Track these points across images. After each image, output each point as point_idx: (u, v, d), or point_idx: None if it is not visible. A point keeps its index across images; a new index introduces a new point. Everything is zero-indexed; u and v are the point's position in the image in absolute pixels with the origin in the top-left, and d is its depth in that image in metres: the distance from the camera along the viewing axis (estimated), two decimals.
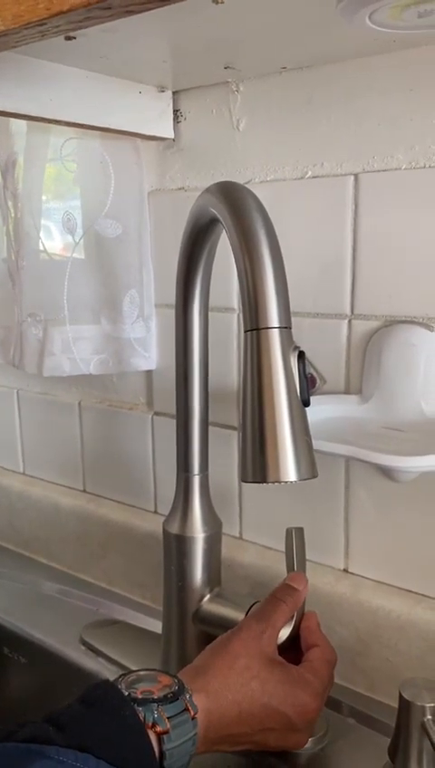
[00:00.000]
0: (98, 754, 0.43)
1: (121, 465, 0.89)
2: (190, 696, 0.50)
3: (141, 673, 0.52)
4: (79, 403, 0.92)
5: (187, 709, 0.49)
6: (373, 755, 0.59)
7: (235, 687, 0.53)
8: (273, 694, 0.54)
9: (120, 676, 0.51)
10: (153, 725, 0.47)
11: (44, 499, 0.95)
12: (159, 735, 0.47)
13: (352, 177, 0.63)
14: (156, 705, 0.48)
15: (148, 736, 0.46)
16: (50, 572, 0.94)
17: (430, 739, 0.52)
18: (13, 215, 0.79)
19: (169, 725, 0.47)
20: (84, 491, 0.94)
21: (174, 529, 0.66)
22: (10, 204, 0.79)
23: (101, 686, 0.49)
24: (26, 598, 0.88)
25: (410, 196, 0.61)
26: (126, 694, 0.48)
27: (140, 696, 0.48)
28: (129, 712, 0.47)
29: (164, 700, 0.48)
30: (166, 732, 0.47)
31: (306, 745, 0.61)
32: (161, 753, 0.46)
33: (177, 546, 0.66)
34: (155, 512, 0.86)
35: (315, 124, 0.65)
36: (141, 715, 0.47)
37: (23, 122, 0.75)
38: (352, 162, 0.63)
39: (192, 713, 0.49)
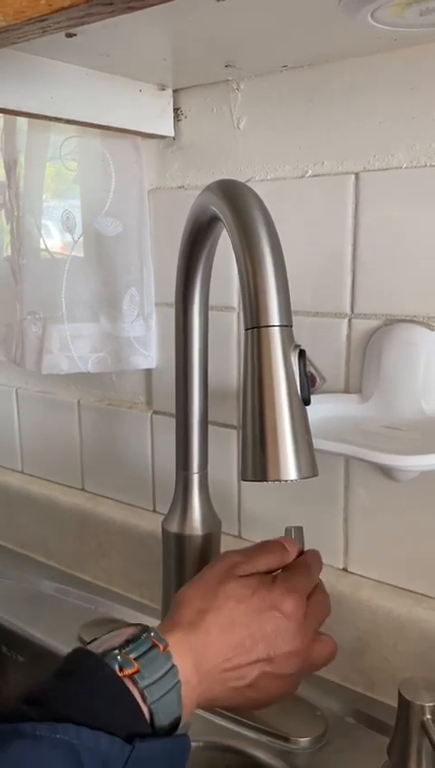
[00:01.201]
0: (78, 720, 0.41)
1: (120, 464, 0.89)
2: (156, 634, 0.48)
3: (105, 635, 0.49)
4: (78, 402, 0.91)
5: (155, 645, 0.47)
6: (373, 755, 0.59)
7: (212, 611, 0.51)
8: (251, 608, 0.52)
9: (87, 642, 0.49)
10: (121, 670, 0.44)
11: (43, 497, 0.95)
12: (132, 678, 0.44)
13: (353, 176, 0.63)
14: (117, 651, 0.46)
15: (124, 685, 0.44)
16: (48, 571, 0.94)
17: (430, 738, 0.52)
18: (15, 213, 0.79)
19: (136, 665, 0.45)
20: (83, 489, 0.94)
21: (173, 528, 0.65)
22: (12, 202, 0.79)
23: (71, 655, 0.47)
24: (25, 596, 0.88)
25: (410, 194, 0.60)
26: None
27: (101, 651, 0.46)
28: (106, 671, 0.44)
29: (125, 644, 0.46)
30: (136, 671, 0.45)
31: (305, 745, 0.61)
32: (141, 693, 0.44)
33: (176, 545, 0.65)
34: (154, 510, 0.86)
35: (316, 123, 0.65)
36: (108, 665, 0.45)
37: (24, 121, 0.75)
38: (353, 161, 0.63)
39: (161, 647, 0.47)
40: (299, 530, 0.63)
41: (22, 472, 1.02)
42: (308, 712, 0.65)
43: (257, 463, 0.44)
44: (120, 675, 0.44)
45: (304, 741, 0.62)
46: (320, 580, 0.59)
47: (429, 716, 0.52)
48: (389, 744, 0.55)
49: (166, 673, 0.46)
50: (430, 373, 0.61)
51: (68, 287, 0.78)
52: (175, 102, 0.73)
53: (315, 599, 0.56)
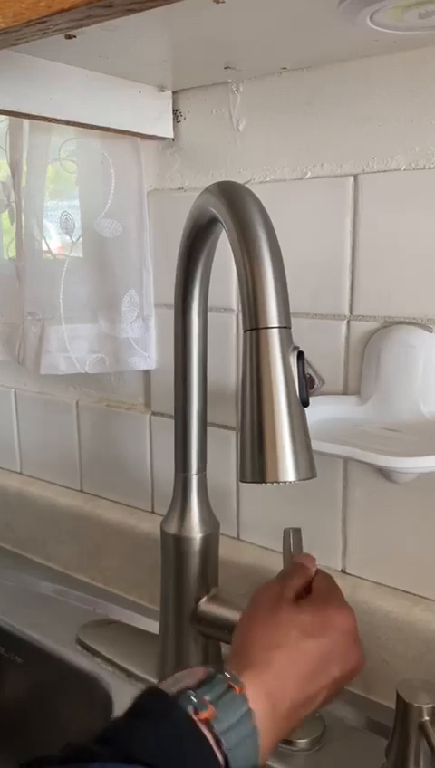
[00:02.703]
0: (148, 762, 0.39)
1: (119, 466, 0.89)
2: (233, 675, 0.46)
3: (180, 673, 0.47)
4: (77, 403, 0.91)
5: (230, 687, 0.45)
6: (371, 756, 0.59)
7: (276, 644, 0.49)
8: (314, 627, 0.51)
9: (159, 682, 0.47)
10: (196, 713, 0.42)
11: (42, 499, 0.95)
12: (207, 722, 0.42)
13: (352, 178, 0.63)
14: (192, 692, 0.44)
15: (198, 727, 0.42)
16: (47, 572, 0.93)
17: (428, 740, 0.52)
18: (18, 214, 0.80)
19: (211, 708, 0.43)
20: (82, 491, 0.94)
21: (172, 529, 0.65)
22: (16, 203, 0.80)
23: (143, 694, 0.46)
24: (23, 597, 0.88)
25: (409, 197, 0.61)
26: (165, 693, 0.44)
27: (174, 692, 0.44)
28: (179, 713, 0.43)
29: (199, 684, 0.45)
30: (211, 715, 0.42)
31: (303, 745, 0.61)
32: (216, 739, 0.42)
33: (174, 546, 0.65)
34: (152, 512, 0.86)
35: (315, 125, 0.65)
36: (182, 707, 0.43)
37: (26, 123, 0.75)
38: (352, 163, 0.63)
39: (237, 689, 0.45)
40: (297, 531, 0.63)
41: (20, 473, 1.02)
42: None
43: (256, 464, 0.44)
44: (195, 717, 0.42)
45: (302, 742, 0.61)
46: None
47: (427, 718, 0.52)
48: (387, 745, 0.55)
49: (242, 717, 0.44)
50: (429, 375, 0.61)
51: (66, 288, 0.78)
52: (174, 104, 0.74)
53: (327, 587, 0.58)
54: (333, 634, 0.52)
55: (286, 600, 0.53)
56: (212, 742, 0.42)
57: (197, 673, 0.47)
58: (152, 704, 0.44)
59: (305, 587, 0.58)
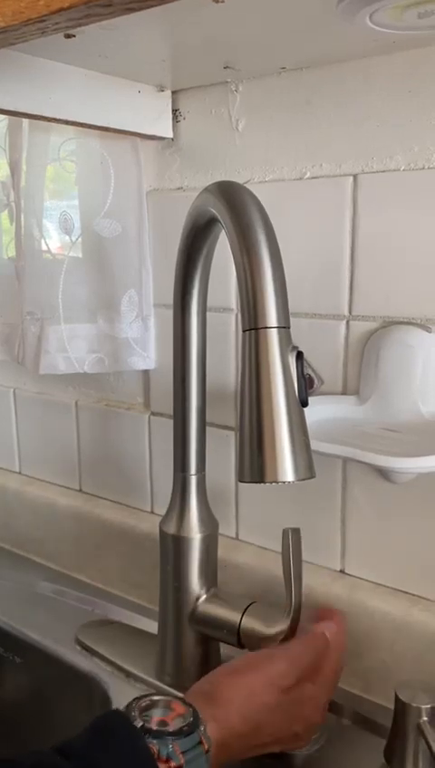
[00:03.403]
0: None
1: (118, 466, 0.89)
2: (205, 729, 0.49)
3: (155, 698, 0.50)
4: (76, 403, 0.91)
5: (201, 742, 0.48)
6: (369, 757, 0.59)
7: (245, 718, 0.52)
8: (282, 722, 0.54)
9: (132, 702, 0.50)
10: (167, 760, 0.45)
11: (41, 499, 0.95)
12: None
13: (351, 178, 0.63)
14: (171, 738, 0.46)
15: None
16: (46, 572, 0.93)
17: (426, 740, 0.52)
18: (17, 214, 0.80)
19: (183, 761, 0.46)
20: (81, 491, 0.94)
21: (171, 529, 0.65)
22: (16, 203, 0.80)
23: (112, 714, 0.48)
24: (22, 597, 0.88)
25: (409, 197, 0.61)
26: (140, 724, 0.47)
27: (154, 728, 0.47)
28: (141, 744, 0.45)
29: (179, 733, 0.47)
30: (179, 767, 0.46)
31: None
32: None
33: (173, 546, 0.65)
34: (151, 512, 0.86)
35: (314, 125, 0.65)
36: (155, 748, 0.46)
37: (25, 123, 0.75)
38: (351, 163, 0.63)
39: (205, 746, 0.48)
40: (296, 532, 0.63)
41: (19, 473, 1.01)
42: None
43: (255, 464, 0.44)
44: (165, 763, 0.45)
45: None
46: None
47: (425, 718, 0.52)
48: (385, 745, 0.55)
49: None
50: (428, 375, 0.61)
51: (65, 288, 0.78)
52: (174, 104, 0.73)
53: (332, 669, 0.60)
54: (292, 730, 0.55)
55: (280, 687, 0.55)
56: None
57: (175, 712, 0.49)
58: (117, 727, 0.47)
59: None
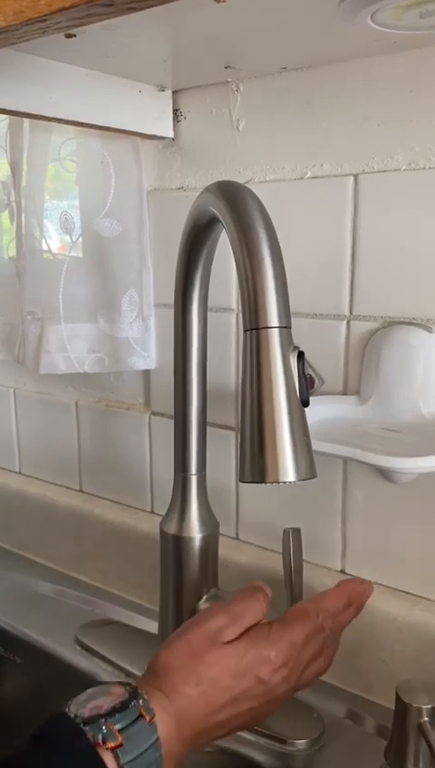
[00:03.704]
0: None
1: (118, 465, 0.88)
2: (144, 701, 0.47)
3: (92, 690, 0.48)
4: (76, 402, 0.91)
5: (141, 716, 0.46)
6: (370, 757, 0.59)
7: (195, 679, 0.50)
8: (236, 673, 0.51)
9: (71, 699, 0.48)
10: (104, 742, 0.43)
11: (41, 498, 0.95)
12: (114, 751, 0.43)
13: (352, 178, 0.63)
14: (103, 720, 0.44)
15: (100, 758, 0.43)
16: (46, 572, 0.93)
17: (427, 741, 0.52)
18: (18, 214, 0.80)
19: (120, 738, 0.44)
20: (81, 491, 0.94)
21: (171, 529, 0.65)
22: (17, 203, 0.80)
23: (51, 720, 0.46)
24: (22, 597, 0.88)
25: (409, 197, 0.61)
26: (73, 717, 0.45)
27: (86, 715, 0.45)
28: (83, 743, 0.44)
29: (111, 712, 0.45)
30: (119, 746, 0.44)
31: (302, 747, 0.61)
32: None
33: (174, 546, 0.65)
34: (151, 512, 0.86)
35: (315, 125, 0.65)
36: (90, 735, 0.44)
37: (26, 123, 0.75)
38: (352, 163, 0.63)
39: (148, 718, 0.46)
40: (297, 532, 0.63)
41: (19, 473, 1.01)
42: (305, 714, 0.65)
43: (256, 464, 0.44)
44: (102, 746, 0.43)
45: (301, 743, 0.61)
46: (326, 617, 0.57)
47: (426, 718, 0.52)
48: (386, 746, 0.55)
49: (149, 747, 0.45)
50: (429, 375, 0.61)
51: (66, 288, 0.78)
52: (174, 103, 0.73)
53: (312, 643, 0.55)
54: (255, 680, 0.52)
55: (218, 643, 0.53)
56: None
57: (112, 694, 0.47)
58: (58, 730, 0.45)
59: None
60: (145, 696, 0.47)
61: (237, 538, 0.78)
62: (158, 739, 0.46)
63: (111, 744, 0.43)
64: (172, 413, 0.65)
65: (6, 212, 0.84)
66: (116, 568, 0.87)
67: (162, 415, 0.82)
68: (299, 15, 0.49)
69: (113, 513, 0.87)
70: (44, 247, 0.78)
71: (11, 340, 0.87)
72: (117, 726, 0.44)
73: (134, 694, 0.47)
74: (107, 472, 0.90)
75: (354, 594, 0.59)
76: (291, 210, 0.67)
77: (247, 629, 0.54)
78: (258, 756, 0.61)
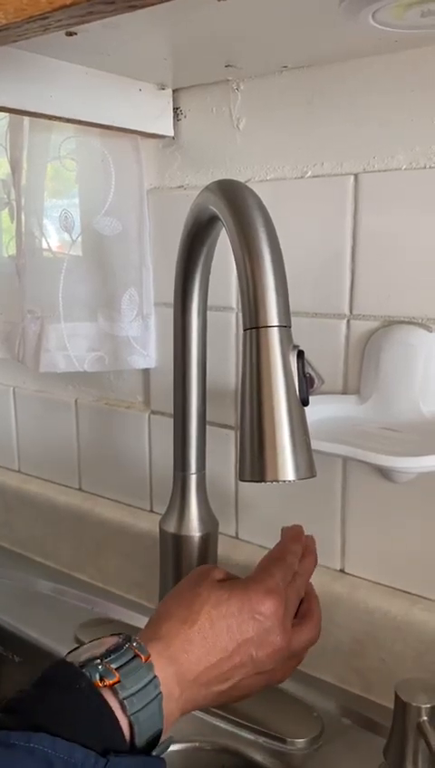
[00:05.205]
0: (54, 731, 0.41)
1: (118, 464, 0.88)
2: (138, 644, 0.47)
3: (88, 643, 0.49)
4: (75, 401, 0.91)
5: (136, 655, 0.46)
6: (369, 756, 0.59)
7: (189, 619, 0.50)
8: (227, 608, 0.51)
9: (68, 653, 0.48)
10: (102, 680, 0.44)
11: (40, 497, 0.95)
12: (112, 688, 0.44)
13: (353, 177, 0.63)
14: (99, 660, 0.45)
15: (102, 695, 0.43)
16: (45, 571, 0.93)
17: (426, 740, 0.52)
18: (18, 212, 0.80)
19: (118, 676, 0.44)
20: (80, 489, 0.94)
21: (171, 528, 0.65)
22: (17, 201, 0.80)
23: (50, 667, 0.47)
24: (21, 596, 0.88)
25: (410, 196, 0.60)
26: (70, 660, 0.46)
27: (82, 658, 0.46)
28: (83, 683, 0.44)
29: (107, 654, 0.46)
30: (117, 682, 0.44)
31: (301, 746, 0.61)
32: (121, 704, 0.44)
33: (173, 545, 0.65)
34: (151, 510, 0.86)
35: (316, 124, 0.65)
36: (87, 675, 0.44)
37: (26, 121, 0.75)
38: (353, 162, 0.63)
39: (143, 657, 0.46)
40: None
41: (19, 471, 1.01)
42: (304, 713, 0.65)
43: (256, 463, 0.44)
44: (101, 685, 0.44)
45: (300, 742, 0.61)
46: (299, 564, 0.58)
47: (425, 718, 0.52)
48: (385, 745, 0.55)
49: (147, 684, 0.45)
50: (429, 375, 0.61)
51: (66, 286, 0.78)
52: (175, 102, 0.73)
53: (291, 588, 0.56)
54: (251, 615, 0.52)
55: (210, 579, 0.54)
56: (116, 706, 0.44)
57: (105, 642, 0.48)
58: (58, 673, 0.46)
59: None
60: (138, 640, 0.48)
61: (237, 537, 0.78)
62: (155, 677, 0.46)
63: (108, 681, 0.44)
64: (172, 412, 0.65)
65: (6, 210, 0.84)
66: (115, 567, 0.87)
67: (162, 413, 0.82)
68: (300, 14, 0.49)
69: (113, 512, 0.87)
70: (44, 246, 0.78)
71: (11, 339, 0.87)
72: (113, 665, 0.45)
73: (127, 638, 0.48)
74: (106, 471, 0.90)
75: (308, 540, 0.61)
76: (291, 209, 0.67)
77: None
78: (258, 755, 0.61)
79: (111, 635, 0.49)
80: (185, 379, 0.63)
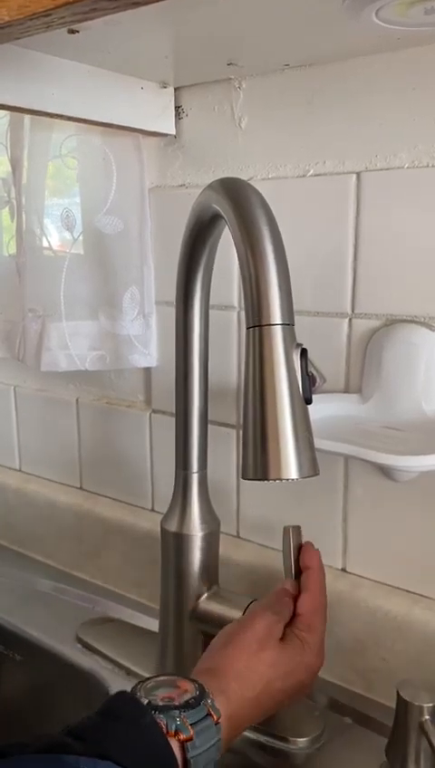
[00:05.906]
0: (120, 762, 0.42)
1: (119, 463, 0.88)
2: (212, 701, 0.49)
3: (160, 679, 0.50)
4: (77, 400, 0.91)
5: (209, 714, 0.47)
6: (370, 755, 0.59)
7: (252, 683, 0.52)
8: (286, 674, 0.54)
9: (137, 684, 0.50)
10: (176, 733, 0.45)
11: (41, 496, 0.95)
12: (183, 743, 0.45)
13: (355, 176, 0.63)
14: (178, 711, 0.46)
15: (169, 744, 0.45)
16: (46, 570, 0.93)
17: (428, 739, 0.52)
18: (18, 211, 0.79)
19: (192, 732, 0.46)
20: (81, 488, 0.94)
21: (172, 527, 0.65)
22: (17, 200, 0.79)
23: (119, 696, 0.48)
24: (22, 595, 0.88)
25: (412, 195, 0.60)
26: (145, 702, 0.47)
27: (160, 704, 0.47)
28: (148, 720, 0.45)
29: (186, 706, 0.47)
30: (189, 739, 0.45)
31: (303, 745, 0.61)
32: (185, 761, 0.45)
33: (174, 544, 0.65)
34: (152, 509, 0.86)
35: (318, 122, 0.65)
36: (163, 723, 0.45)
37: (27, 119, 0.74)
38: (355, 161, 0.63)
39: (215, 718, 0.48)
40: (297, 530, 0.63)
41: (20, 470, 1.01)
42: (306, 712, 0.65)
43: (258, 462, 0.44)
44: (174, 736, 0.45)
45: (301, 741, 0.61)
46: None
47: (427, 717, 0.52)
48: (387, 744, 0.55)
49: (212, 746, 0.47)
50: (431, 374, 0.61)
51: (67, 285, 0.78)
52: (176, 100, 0.73)
53: (316, 613, 0.59)
54: (299, 677, 0.55)
55: (274, 640, 0.56)
56: (181, 763, 0.45)
57: (180, 689, 0.49)
58: (124, 707, 0.47)
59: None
60: (212, 697, 0.49)
61: (238, 536, 0.78)
62: (220, 740, 0.48)
63: (183, 737, 0.45)
64: (173, 411, 0.65)
65: (6, 209, 0.84)
66: (116, 566, 0.87)
67: (163, 412, 0.82)
68: (303, 12, 0.49)
69: (114, 511, 0.87)
70: (45, 244, 0.78)
71: (11, 338, 0.87)
72: (189, 721, 0.46)
73: (203, 692, 0.49)
74: (108, 469, 0.90)
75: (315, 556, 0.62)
76: (293, 208, 0.67)
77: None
78: (259, 754, 0.61)
79: (184, 678, 0.51)
80: (186, 377, 0.63)
